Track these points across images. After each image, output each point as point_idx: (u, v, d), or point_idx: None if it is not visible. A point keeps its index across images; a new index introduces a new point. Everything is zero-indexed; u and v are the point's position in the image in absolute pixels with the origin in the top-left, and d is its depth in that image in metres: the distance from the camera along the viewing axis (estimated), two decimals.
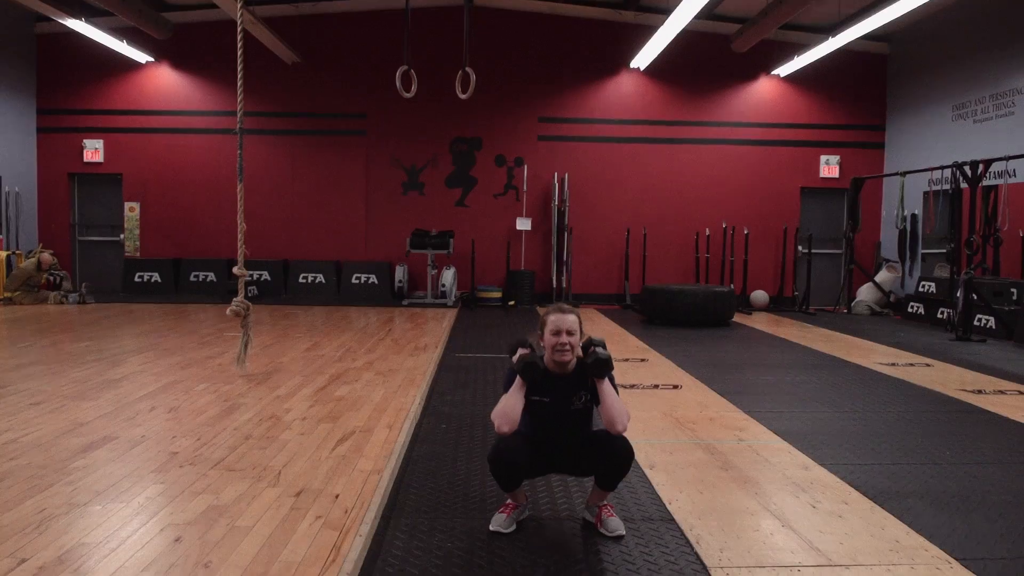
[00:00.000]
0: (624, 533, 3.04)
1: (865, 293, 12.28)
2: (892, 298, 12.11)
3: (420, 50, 11.39)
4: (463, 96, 7.72)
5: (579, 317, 3.08)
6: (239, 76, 5.41)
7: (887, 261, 12.53)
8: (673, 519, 3.23)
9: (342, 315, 10.46)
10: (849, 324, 10.63)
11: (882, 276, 12.29)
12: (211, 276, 12.95)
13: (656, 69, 12.92)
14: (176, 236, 13.11)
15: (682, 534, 3.07)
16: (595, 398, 3.09)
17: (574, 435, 3.16)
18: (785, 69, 12.74)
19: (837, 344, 8.63)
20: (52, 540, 2.73)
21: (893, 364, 7.25)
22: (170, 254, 13.09)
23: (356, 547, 2.73)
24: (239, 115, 5.34)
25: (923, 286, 11.04)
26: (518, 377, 3.02)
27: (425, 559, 2.81)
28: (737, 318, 11.10)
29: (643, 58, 12.44)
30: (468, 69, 7.66)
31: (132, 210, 13.16)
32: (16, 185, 12.34)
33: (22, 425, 4.29)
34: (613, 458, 3.04)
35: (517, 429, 3.07)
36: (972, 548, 2.97)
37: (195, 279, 12.99)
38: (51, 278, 11.35)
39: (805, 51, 11.93)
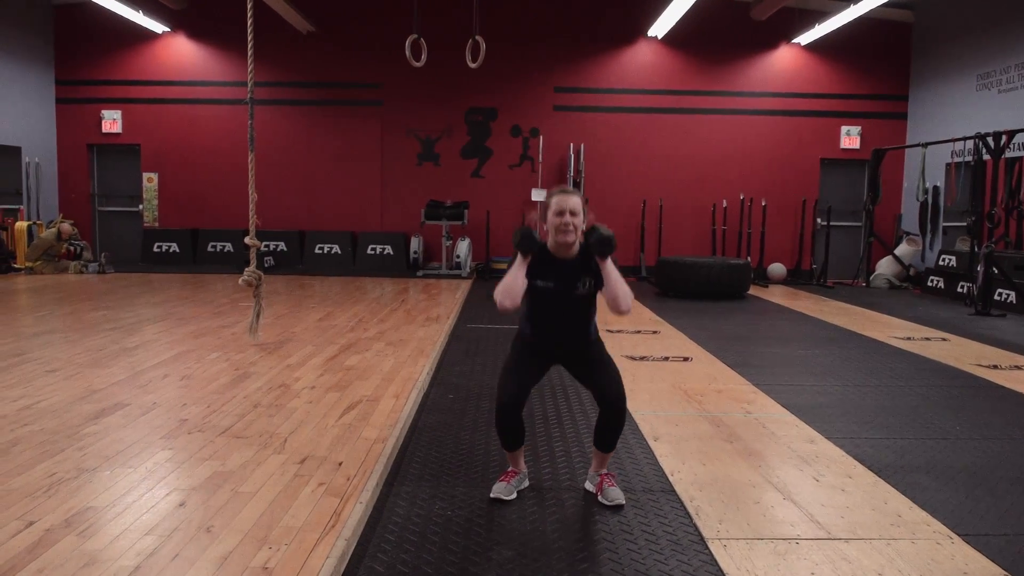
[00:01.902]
0: (624, 503, 3.05)
1: (884, 266, 12.13)
2: (912, 271, 11.96)
3: (435, 19, 11.30)
4: (473, 65, 7.64)
5: (583, 199, 3.08)
6: (249, 44, 5.37)
7: (907, 234, 12.35)
8: (674, 490, 3.23)
9: (356, 285, 10.51)
10: (867, 298, 10.52)
11: (902, 249, 12.13)
12: (228, 246, 13.03)
13: (674, 38, 12.71)
14: (194, 206, 13.18)
15: (682, 505, 3.07)
16: (598, 283, 3.07)
17: (577, 324, 3.15)
18: (806, 37, 12.48)
19: (853, 317, 8.54)
20: (60, 504, 2.79)
21: (909, 338, 7.18)
22: (188, 224, 13.19)
23: (356, 513, 2.77)
24: (250, 84, 5.32)
25: (943, 259, 10.88)
26: (519, 255, 3.02)
27: (424, 526, 2.84)
28: (753, 291, 11.02)
29: (661, 26, 12.24)
30: (478, 38, 7.58)
31: (150, 181, 13.24)
32: (36, 156, 12.44)
33: (37, 392, 4.36)
34: (606, 409, 3.06)
35: (515, 337, 3.22)
36: (975, 524, 2.95)
37: (212, 249, 13.09)
38: (71, 248, 11.48)
39: (826, 19, 11.67)
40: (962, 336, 7.36)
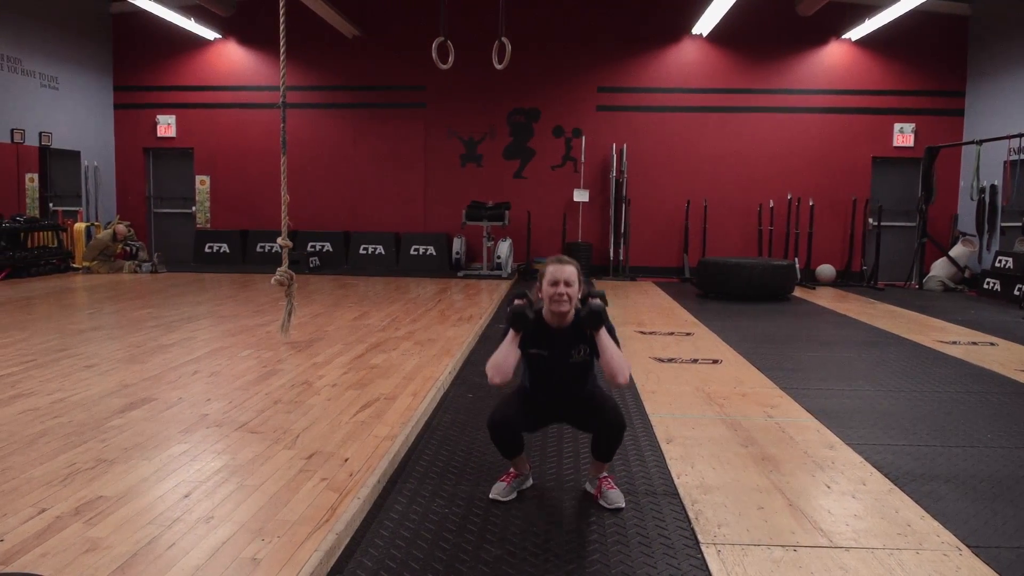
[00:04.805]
0: (623, 505, 3.03)
1: (939, 268, 11.71)
2: (967, 273, 11.52)
3: (476, 20, 11.34)
4: (499, 67, 7.67)
5: (578, 269, 3.05)
6: (282, 50, 5.52)
7: (963, 235, 11.91)
8: (677, 493, 3.19)
9: (397, 286, 10.63)
10: (918, 300, 10.18)
11: (957, 250, 11.69)
12: (276, 247, 13.29)
13: (719, 35, 12.51)
14: (244, 208, 13.53)
15: (683, 509, 3.03)
16: (595, 351, 3.04)
17: (574, 388, 3.14)
18: (856, 32, 12.14)
19: (900, 321, 8.28)
20: (73, 493, 2.91)
21: (954, 343, 6.93)
22: (238, 225, 13.54)
23: (351, 509, 2.81)
24: (282, 89, 5.49)
25: (1000, 261, 10.47)
26: (511, 330, 3.02)
27: (419, 524, 2.87)
28: (799, 293, 10.77)
29: (705, 24, 12.07)
30: (504, 39, 7.60)
31: (203, 183, 13.65)
32: (95, 160, 12.95)
33: (72, 385, 4.55)
34: (603, 428, 3.01)
35: (518, 388, 3.15)
36: (989, 535, 2.84)
37: (261, 250, 13.41)
38: (127, 248, 11.91)
39: (877, 13, 11.34)
40: (1012, 341, 7.07)
